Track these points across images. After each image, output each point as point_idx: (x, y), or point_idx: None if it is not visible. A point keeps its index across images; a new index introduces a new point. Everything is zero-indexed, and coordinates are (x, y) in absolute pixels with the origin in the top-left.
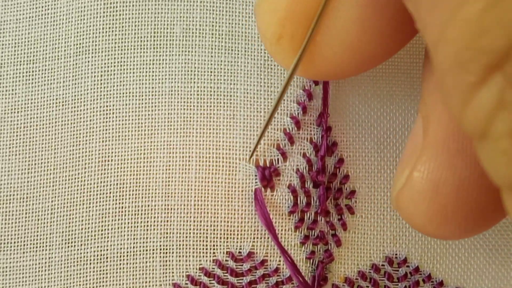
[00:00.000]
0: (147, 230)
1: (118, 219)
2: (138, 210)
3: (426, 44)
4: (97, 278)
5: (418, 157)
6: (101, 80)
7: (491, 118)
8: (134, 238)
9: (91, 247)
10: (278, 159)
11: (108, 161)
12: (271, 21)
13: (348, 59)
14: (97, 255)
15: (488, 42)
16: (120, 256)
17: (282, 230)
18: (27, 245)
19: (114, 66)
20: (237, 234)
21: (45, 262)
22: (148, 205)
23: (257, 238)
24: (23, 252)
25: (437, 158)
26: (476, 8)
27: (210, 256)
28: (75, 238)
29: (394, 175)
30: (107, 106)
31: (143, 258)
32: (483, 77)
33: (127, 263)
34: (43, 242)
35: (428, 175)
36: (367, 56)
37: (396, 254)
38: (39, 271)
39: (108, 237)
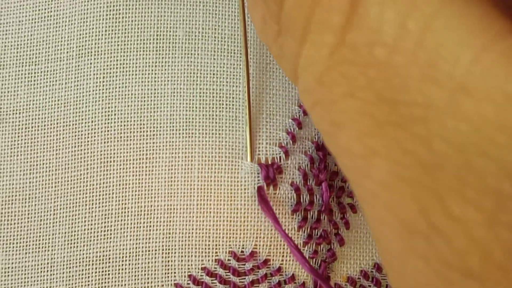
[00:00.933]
0: (150, 230)
1: (121, 220)
2: (141, 211)
3: None
4: (99, 279)
5: None
6: (103, 82)
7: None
8: (136, 239)
9: (93, 248)
10: (280, 157)
11: (111, 162)
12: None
13: None
14: (100, 256)
15: None
16: (123, 257)
17: (285, 229)
18: (29, 245)
19: (117, 68)
20: (240, 234)
21: (48, 263)
22: (151, 206)
23: (260, 237)
24: (26, 253)
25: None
26: None
27: (212, 256)
28: (77, 238)
29: None
30: (109, 107)
31: (146, 258)
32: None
33: (129, 264)
34: (45, 243)
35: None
36: None
37: None
38: (41, 271)
39: (110, 238)
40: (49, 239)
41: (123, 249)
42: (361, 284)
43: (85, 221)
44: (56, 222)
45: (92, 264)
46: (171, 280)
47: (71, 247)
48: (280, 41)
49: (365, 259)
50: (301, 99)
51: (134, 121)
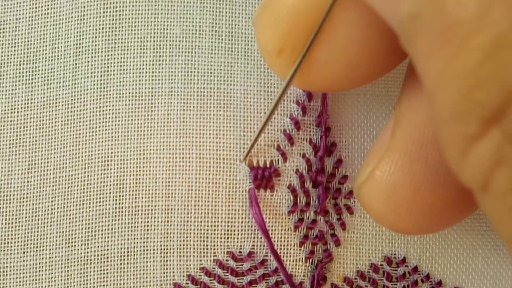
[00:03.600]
0: (148, 230)
1: (119, 219)
2: (139, 210)
3: (423, 85)
4: (97, 278)
5: (382, 156)
6: (101, 80)
7: (491, 173)
8: (134, 238)
9: (91, 247)
10: (278, 160)
11: (108, 161)
12: (273, 35)
13: (345, 76)
14: (98, 255)
15: (484, 95)
16: (121, 256)
17: (282, 230)
18: (27, 245)
19: (114, 66)
20: (238, 234)
21: (45, 262)
22: (149, 205)
23: (257, 238)
24: (24, 252)
25: (398, 162)
26: (472, 60)
27: (210, 256)
28: (75, 238)
29: (361, 166)
30: (107, 106)
31: (144, 258)
32: (481, 131)
33: (127, 263)
34: (43, 242)
35: (388, 176)
36: (364, 74)
37: (395, 254)
38: (39, 271)
39: (108, 237)
40: (46, 238)
41: (121, 248)
42: (358, 284)
43: (82, 221)
44: (54, 221)
45: (90, 264)
46: (170, 280)
47: (68, 246)
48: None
49: (362, 260)
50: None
51: (132, 119)
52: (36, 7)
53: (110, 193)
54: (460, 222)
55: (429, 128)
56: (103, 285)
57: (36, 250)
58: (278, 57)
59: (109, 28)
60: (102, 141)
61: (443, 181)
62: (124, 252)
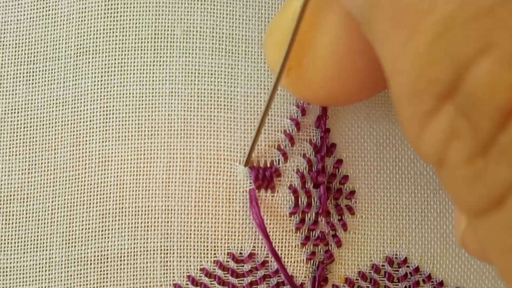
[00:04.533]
0: (148, 230)
1: (119, 220)
2: (139, 211)
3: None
4: (97, 279)
5: None
6: (101, 81)
7: (446, 147)
8: (134, 239)
9: (91, 248)
10: (279, 160)
11: (108, 161)
12: (278, 56)
13: (334, 85)
14: (98, 256)
15: (437, 72)
16: (121, 257)
17: (283, 231)
18: (27, 245)
19: (115, 67)
20: (238, 235)
21: (46, 263)
22: (149, 206)
23: (258, 239)
24: (24, 253)
25: None
26: (424, 40)
27: (211, 257)
28: (75, 238)
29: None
30: (107, 107)
31: (144, 258)
32: (435, 107)
33: (127, 264)
34: (43, 243)
35: None
36: (356, 81)
37: (396, 254)
38: (39, 271)
39: (108, 238)
40: (46, 239)
41: (121, 249)
42: (359, 285)
43: (82, 221)
44: (54, 221)
45: (90, 264)
46: (170, 281)
47: (68, 247)
48: (479, 164)
49: (363, 260)
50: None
51: (132, 120)
52: (37, 8)
53: (110, 193)
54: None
55: None
56: (103, 286)
57: (36, 251)
58: (288, 76)
59: (110, 29)
60: (103, 142)
61: None
62: (124, 252)
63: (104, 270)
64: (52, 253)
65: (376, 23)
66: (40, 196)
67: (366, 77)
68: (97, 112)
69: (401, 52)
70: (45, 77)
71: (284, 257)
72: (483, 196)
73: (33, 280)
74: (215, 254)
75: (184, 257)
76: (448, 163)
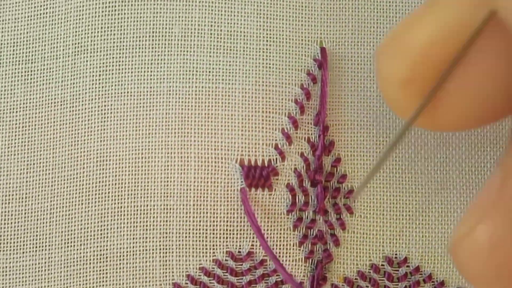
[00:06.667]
0: (147, 230)
1: (117, 219)
2: (137, 210)
3: None
4: (96, 278)
5: (488, 209)
6: (99, 79)
7: None
8: (133, 238)
9: (90, 247)
10: (276, 159)
11: (107, 160)
12: (401, 64)
13: (475, 113)
14: (97, 255)
15: None
16: (120, 256)
17: (280, 229)
18: (26, 245)
19: (112, 65)
20: (237, 234)
21: (45, 262)
22: (147, 205)
23: (256, 238)
24: (23, 252)
25: (508, 215)
26: None
27: (210, 256)
28: (74, 238)
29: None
30: (105, 105)
31: (143, 258)
32: None
33: (126, 263)
34: (42, 242)
35: (493, 231)
36: (494, 112)
37: (396, 254)
38: (38, 271)
39: (107, 237)
40: (46, 238)
41: (120, 248)
42: (358, 284)
43: (81, 220)
44: (53, 221)
45: (89, 264)
46: (169, 280)
47: (67, 246)
48: None
49: (362, 260)
50: None
51: (130, 119)
52: (34, 7)
53: (108, 192)
54: None
55: None
56: (103, 285)
57: (35, 250)
58: (404, 89)
59: (108, 27)
60: (101, 141)
61: None
62: (123, 252)
63: (103, 270)
64: (51, 253)
65: None
66: (38, 195)
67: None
68: (95, 110)
69: None
70: (43, 76)
71: (282, 256)
72: None
73: (32, 280)
74: (214, 253)
75: (183, 256)
76: None
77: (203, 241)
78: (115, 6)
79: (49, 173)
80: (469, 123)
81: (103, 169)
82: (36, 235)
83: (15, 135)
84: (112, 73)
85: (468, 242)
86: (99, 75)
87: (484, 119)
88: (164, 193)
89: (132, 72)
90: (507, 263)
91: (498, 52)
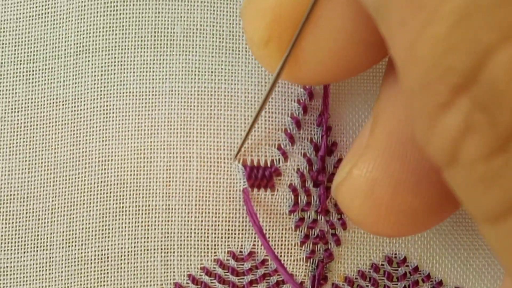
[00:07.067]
0: (148, 229)
1: (119, 219)
2: (139, 210)
3: (395, 62)
4: (98, 278)
5: (360, 155)
6: (101, 79)
7: (460, 143)
8: (135, 238)
9: (91, 247)
10: (279, 159)
11: (109, 160)
12: (259, 24)
13: (333, 67)
14: (98, 255)
15: (456, 60)
16: (121, 256)
17: (282, 229)
18: (27, 245)
19: (115, 65)
20: (238, 234)
21: (46, 262)
22: (149, 205)
23: (258, 238)
24: (24, 252)
25: (377, 159)
26: (443, 26)
27: (211, 256)
28: (75, 238)
29: (339, 167)
30: (107, 105)
31: (144, 257)
32: (450, 99)
33: (128, 263)
34: (43, 242)
35: (366, 175)
36: (351, 65)
37: (395, 254)
38: (39, 271)
39: (108, 237)
40: (47, 238)
41: (122, 248)
42: (359, 284)
43: (83, 220)
44: (54, 221)
45: (91, 263)
46: (171, 279)
47: (69, 246)
48: (498, 162)
49: (362, 259)
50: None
51: (132, 119)
52: (36, 6)
53: (110, 192)
54: (440, 223)
55: (407, 126)
56: (104, 285)
57: (37, 250)
58: (265, 47)
59: (110, 27)
60: (103, 141)
61: (422, 180)
62: (124, 252)
63: (104, 270)
64: (53, 253)
65: (391, 8)
66: (40, 195)
67: (363, 54)
68: (97, 110)
69: (417, 38)
70: (45, 76)
71: (284, 256)
72: (502, 197)
73: (33, 280)
74: (215, 252)
75: (184, 256)
76: (461, 161)
77: (204, 241)
78: (117, 6)
79: (50, 173)
80: (330, 76)
81: (104, 169)
82: (38, 235)
83: (17, 135)
84: (114, 73)
85: (346, 187)
86: (101, 75)
87: (343, 72)
88: (166, 193)
89: (134, 72)
90: (383, 203)
91: (343, 9)
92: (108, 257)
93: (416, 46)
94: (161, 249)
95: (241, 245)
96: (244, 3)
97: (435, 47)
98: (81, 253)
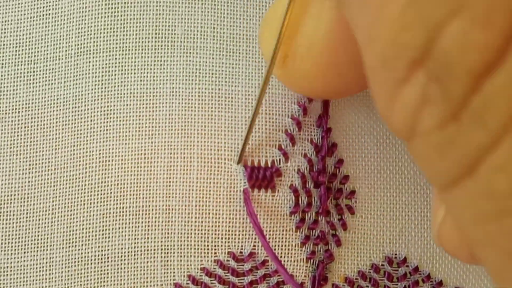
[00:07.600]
0: (148, 230)
1: (119, 219)
2: (139, 211)
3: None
4: (98, 278)
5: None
6: (102, 80)
7: (417, 115)
8: (135, 238)
9: (92, 247)
10: (280, 160)
11: (109, 161)
12: (274, 44)
13: (330, 74)
14: (98, 255)
15: (410, 37)
16: (121, 256)
17: (283, 230)
18: (28, 245)
19: (115, 67)
20: (239, 235)
21: (46, 262)
22: (149, 206)
23: (258, 238)
24: (24, 252)
25: None
26: (398, 5)
27: (211, 256)
28: (76, 238)
29: (431, 208)
30: (108, 106)
31: (144, 258)
32: (407, 74)
33: (128, 263)
34: (44, 242)
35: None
36: (352, 71)
37: (395, 254)
38: (40, 271)
39: (109, 237)
40: (47, 238)
41: (122, 248)
42: (359, 284)
43: (83, 221)
44: (54, 221)
45: (91, 264)
46: (171, 280)
47: (69, 247)
48: (451, 129)
49: (363, 260)
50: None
51: (133, 120)
52: (37, 8)
53: (111, 193)
54: None
55: None
56: (104, 285)
57: (37, 250)
58: (284, 64)
59: (111, 28)
60: (103, 142)
61: None
62: (124, 252)
63: (104, 270)
64: (53, 253)
65: None
66: (40, 196)
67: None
68: (97, 112)
69: (375, 19)
70: (46, 77)
71: (284, 256)
72: (455, 162)
73: (33, 280)
74: (215, 253)
75: (184, 256)
76: (419, 131)
77: (205, 241)
78: (118, 8)
79: (51, 174)
80: (327, 90)
81: (105, 169)
82: (38, 235)
83: (18, 136)
84: (115, 74)
85: (449, 223)
86: (102, 76)
87: (339, 86)
88: (167, 193)
89: (134, 74)
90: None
91: (320, 13)
92: (108, 258)
93: (373, 27)
94: (161, 249)
95: (242, 246)
96: (260, 27)
97: (391, 26)
98: (81, 253)
